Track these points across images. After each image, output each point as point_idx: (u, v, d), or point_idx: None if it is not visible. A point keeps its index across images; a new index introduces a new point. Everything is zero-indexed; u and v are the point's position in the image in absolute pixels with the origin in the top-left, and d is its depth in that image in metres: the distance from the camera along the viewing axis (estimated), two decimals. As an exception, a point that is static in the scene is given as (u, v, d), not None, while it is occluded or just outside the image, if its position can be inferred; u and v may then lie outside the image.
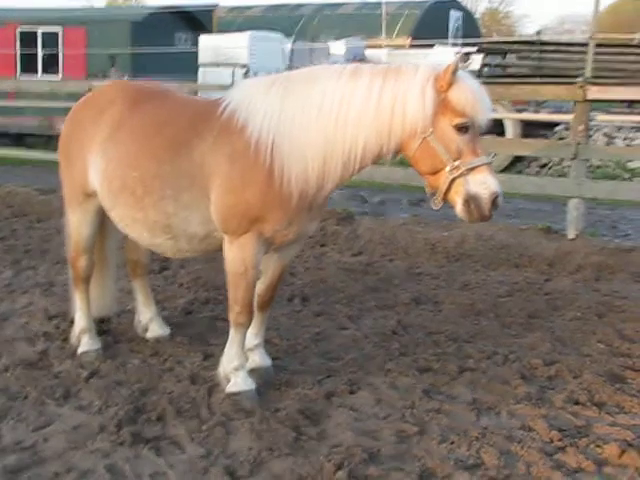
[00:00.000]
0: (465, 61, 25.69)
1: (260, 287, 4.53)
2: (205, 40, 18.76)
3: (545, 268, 7.24)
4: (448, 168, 3.77)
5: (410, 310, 6.00)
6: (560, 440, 3.91)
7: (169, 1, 20.51)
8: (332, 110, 3.86)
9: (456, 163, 3.76)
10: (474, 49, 23.91)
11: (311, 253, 7.63)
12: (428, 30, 41.00)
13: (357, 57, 24.80)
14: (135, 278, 5.21)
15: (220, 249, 4.55)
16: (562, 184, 8.19)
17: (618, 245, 7.68)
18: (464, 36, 45.96)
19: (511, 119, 15.73)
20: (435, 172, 3.83)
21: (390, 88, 3.79)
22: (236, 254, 4.16)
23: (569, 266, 7.22)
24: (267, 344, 4.83)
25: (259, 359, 4.63)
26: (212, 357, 4.92)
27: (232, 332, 4.35)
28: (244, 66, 19.83)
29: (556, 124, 15.84)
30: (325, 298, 6.22)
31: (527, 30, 68.37)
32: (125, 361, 4.86)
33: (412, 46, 27.89)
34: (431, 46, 27.21)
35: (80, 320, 4.99)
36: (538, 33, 22.56)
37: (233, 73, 19.08)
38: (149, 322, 5.22)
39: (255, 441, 3.85)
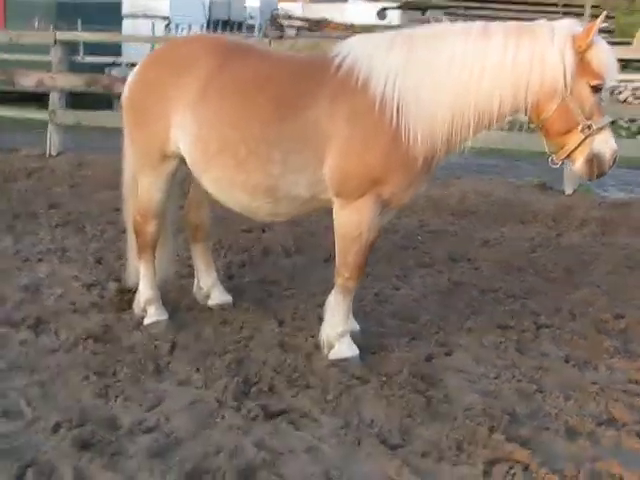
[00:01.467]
0: (383, 17, 25.74)
1: None
2: (127, -10, 17.88)
3: (552, 224, 7.38)
4: (580, 127, 3.73)
5: (451, 268, 5.98)
6: (676, 392, 4.02)
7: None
8: (465, 66, 3.71)
9: (588, 122, 3.72)
10: (393, 4, 23.95)
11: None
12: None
13: (273, 10, 24.38)
14: (196, 243, 4.94)
15: (315, 212, 4.40)
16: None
17: (615, 200, 7.93)
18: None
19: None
20: (567, 132, 3.77)
21: (527, 46, 3.67)
22: (351, 217, 3.99)
23: (574, 221, 7.40)
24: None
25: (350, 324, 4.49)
26: (285, 323, 4.78)
27: (338, 297, 4.21)
28: (165, 18, 19.09)
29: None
30: (361, 258, 6.10)
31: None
32: (199, 331, 4.61)
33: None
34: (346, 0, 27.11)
35: (145, 289, 4.69)
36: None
37: (153, 26, 18.32)
38: (211, 289, 4.98)
39: (389, 408, 3.74)
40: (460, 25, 3.88)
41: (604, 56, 3.68)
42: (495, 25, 3.80)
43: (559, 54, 3.63)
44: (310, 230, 6.80)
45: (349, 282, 4.14)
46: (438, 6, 20.20)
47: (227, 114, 4.05)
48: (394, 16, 26.53)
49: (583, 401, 3.89)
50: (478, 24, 3.84)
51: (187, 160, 4.26)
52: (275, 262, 6.05)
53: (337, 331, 4.23)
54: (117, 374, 4.04)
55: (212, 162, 4.11)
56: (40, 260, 5.85)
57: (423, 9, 21.13)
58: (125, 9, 18.14)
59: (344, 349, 4.22)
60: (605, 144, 3.76)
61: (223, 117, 4.05)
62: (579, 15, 19.35)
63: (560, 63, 3.63)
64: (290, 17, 23.58)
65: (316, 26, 23.10)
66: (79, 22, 12.73)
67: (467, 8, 19.30)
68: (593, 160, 3.78)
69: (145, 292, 4.69)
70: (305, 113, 3.91)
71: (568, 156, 3.85)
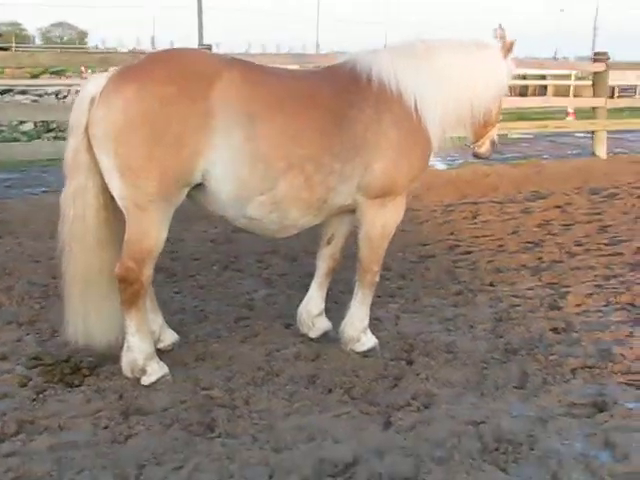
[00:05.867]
0: None
1: (334, 251, 4.66)
2: None
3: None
4: (498, 119, 4.79)
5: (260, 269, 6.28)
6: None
7: None
8: (460, 80, 4.36)
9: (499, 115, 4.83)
10: None
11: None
12: None
13: None
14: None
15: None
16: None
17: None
18: None
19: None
20: (495, 123, 4.75)
21: (491, 58, 4.49)
22: (392, 215, 4.33)
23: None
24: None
25: (327, 323, 4.75)
26: (262, 340, 4.73)
27: (366, 292, 4.50)
28: None
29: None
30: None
31: None
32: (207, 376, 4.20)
33: None
34: None
35: (143, 345, 4.03)
36: None
37: None
38: (161, 331, 4.48)
39: (460, 374, 4.27)
40: (443, 41, 4.46)
41: (512, 63, 4.72)
42: (465, 40, 4.48)
43: (506, 63, 4.59)
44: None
45: (377, 276, 4.48)
46: None
47: (288, 130, 3.88)
48: None
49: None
50: (454, 40, 4.47)
51: (227, 185, 3.84)
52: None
53: (364, 324, 4.53)
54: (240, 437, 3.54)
55: (277, 181, 3.89)
56: None
57: None
58: None
59: (369, 339, 4.54)
60: (496, 132, 4.90)
61: (284, 133, 3.87)
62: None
63: (507, 70, 4.60)
64: None
65: None
66: None
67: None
68: (493, 144, 4.88)
69: (143, 348, 4.04)
70: (354, 123, 4.06)
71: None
